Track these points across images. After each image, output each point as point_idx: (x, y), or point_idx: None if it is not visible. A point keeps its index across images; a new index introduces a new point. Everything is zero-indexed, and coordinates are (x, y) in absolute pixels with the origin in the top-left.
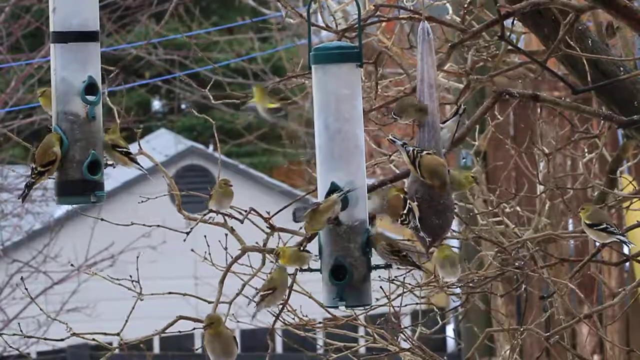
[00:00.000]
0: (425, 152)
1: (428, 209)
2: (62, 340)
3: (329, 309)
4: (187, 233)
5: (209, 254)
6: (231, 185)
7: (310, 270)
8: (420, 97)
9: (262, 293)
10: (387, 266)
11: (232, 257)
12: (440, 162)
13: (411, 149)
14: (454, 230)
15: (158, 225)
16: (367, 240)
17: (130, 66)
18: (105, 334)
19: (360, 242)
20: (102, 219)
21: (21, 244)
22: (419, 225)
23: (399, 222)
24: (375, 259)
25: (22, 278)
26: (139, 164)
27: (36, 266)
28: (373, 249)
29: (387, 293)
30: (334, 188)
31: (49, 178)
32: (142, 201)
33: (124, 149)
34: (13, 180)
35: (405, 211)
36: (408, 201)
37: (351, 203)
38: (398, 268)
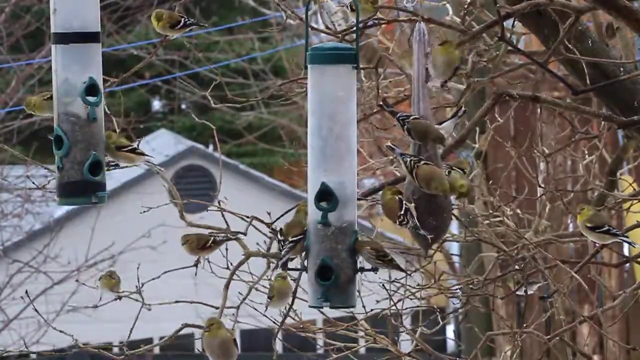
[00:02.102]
0: (422, 162)
1: (424, 209)
2: (65, 352)
3: (329, 312)
4: (195, 265)
5: (208, 259)
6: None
7: (295, 269)
8: (415, 98)
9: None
10: (374, 269)
11: (231, 262)
12: (437, 171)
13: (408, 159)
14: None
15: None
16: (354, 242)
17: (130, 66)
18: (110, 346)
19: (348, 244)
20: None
21: (21, 244)
22: (418, 223)
23: (398, 223)
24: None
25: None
26: (146, 154)
27: (36, 266)
28: (360, 255)
29: (389, 294)
30: (323, 188)
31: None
32: (145, 211)
33: (129, 146)
34: (13, 181)
35: (402, 212)
36: (404, 202)
37: (340, 204)
38: (377, 271)
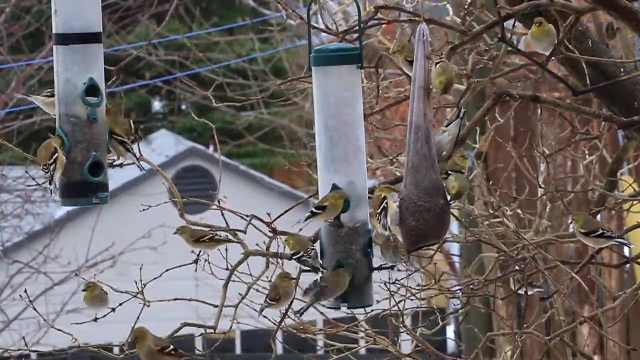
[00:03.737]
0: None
1: (406, 209)
2: (65, 351)
3: (329, 311)
4: (195, 261)
5: (207, 260)
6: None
7: (311, 270)
8: (411, 98)
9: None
10: (388, 267)
11: (228, 261)
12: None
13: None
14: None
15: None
16: (368, 242)
17: (130, 67)
18: (110, 345)
19: (361, 244)
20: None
21: (21, 244)
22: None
23: (377, 220)
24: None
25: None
26: (134, 154)
27: (36, 267)
28: (389, 247)
29: (390, 295)
30: (334, 189)
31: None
32: (144, 209)
33: (120, 137)
34: (13, 182)
35: (379, 210)
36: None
37: (352, 204)
38: (398, 270)
